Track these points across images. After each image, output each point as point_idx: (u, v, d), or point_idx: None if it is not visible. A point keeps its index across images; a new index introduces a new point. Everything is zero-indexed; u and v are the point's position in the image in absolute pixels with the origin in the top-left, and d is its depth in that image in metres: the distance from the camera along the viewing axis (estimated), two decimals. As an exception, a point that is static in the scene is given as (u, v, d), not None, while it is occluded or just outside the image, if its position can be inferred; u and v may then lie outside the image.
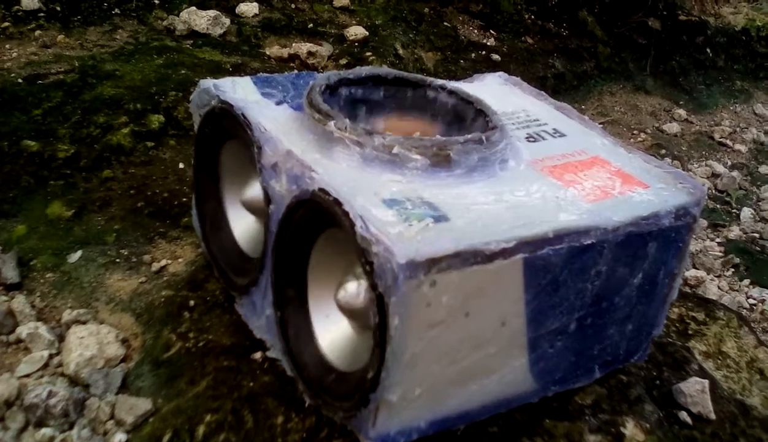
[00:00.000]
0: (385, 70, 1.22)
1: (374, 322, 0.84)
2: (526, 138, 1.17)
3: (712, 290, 2.40)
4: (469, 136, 1.02)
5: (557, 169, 1.08)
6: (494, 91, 1.34)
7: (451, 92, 1.19)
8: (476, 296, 0.88)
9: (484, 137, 1.02)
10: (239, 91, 1.16)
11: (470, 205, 0.93)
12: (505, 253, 0.88)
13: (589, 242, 0.95)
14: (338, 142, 0.99)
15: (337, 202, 0.88)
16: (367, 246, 0.83)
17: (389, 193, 0.92)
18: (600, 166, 1.12)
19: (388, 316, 0.83)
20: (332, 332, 1.02)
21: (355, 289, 0.96)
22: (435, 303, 0.85)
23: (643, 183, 1.08)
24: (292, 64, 2.44)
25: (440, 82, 1.22)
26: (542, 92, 1.36)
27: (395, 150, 0.97)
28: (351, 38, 2.76)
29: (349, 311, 1.00)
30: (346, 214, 0.86)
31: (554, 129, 1.22)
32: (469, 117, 1.15)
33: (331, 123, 1.00)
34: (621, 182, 1.07)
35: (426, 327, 0.86)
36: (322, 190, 0.91)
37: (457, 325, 0.89)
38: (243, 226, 1.25)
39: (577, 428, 1.10)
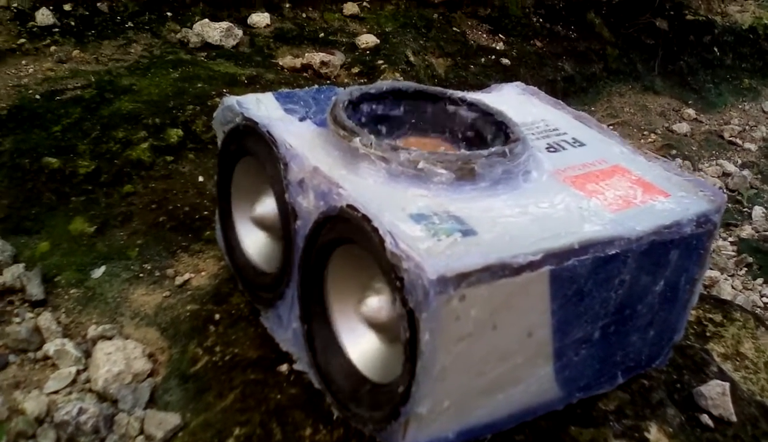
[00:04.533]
0: (405, 83, 1.23)
1: (404, 337, 0.86)
2: (547, 148, 1.18)
3: (726, 289, 2.40)
4: (493, 149, 1.03)
5: (579, 179, 1.09)
6: (512, 101, 1.35)
7: (472, 105, 1.20)
8: (504, 308, 0.89)
9: (507, 150, 1.04)
10: (263, 107, 1.18)
11: (496, 218, 0.95)
12: (532, 265, 0.89)
13: (613, 251, 0.96)
14: (364, 158, 1.00)
15: (366, 219, 0.89)
16: (397, 262, 0.84)
17: (416, 208, 0.93)
18: (621, 175, 1.13)
19: (419, 331, 0.84)
20: (361, 345, 1.03)
21: (376, 304, 0.98)
22: (464, 317, 0.86)
23: (664, 191, 1.09)
24: (305, 74, 2.46)
25: (460, 94, 1.23)
26: (560, 101, 1.37)
27: (421, 165, 0.98)
28: (362, 46, 2.77)
29: (374, 325, 1.01)
30: (376, 230, 0.87)
31: (574, 138, 1.23)
32: (491, 130, 1.16)
33: (357, 139, 1.01)
34: (642, 191, 1.08)
35: (455, 341, 0.87)
36: (350, 206, 0.92)
37: (485, 337, 0.90)
38: (254, 241, 1.26)
39: (602, 433, 1.11)
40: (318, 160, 1.02)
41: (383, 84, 1.21)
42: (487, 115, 1.18)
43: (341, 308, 1.04)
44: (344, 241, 0.97)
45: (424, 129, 1.21)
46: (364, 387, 1.00)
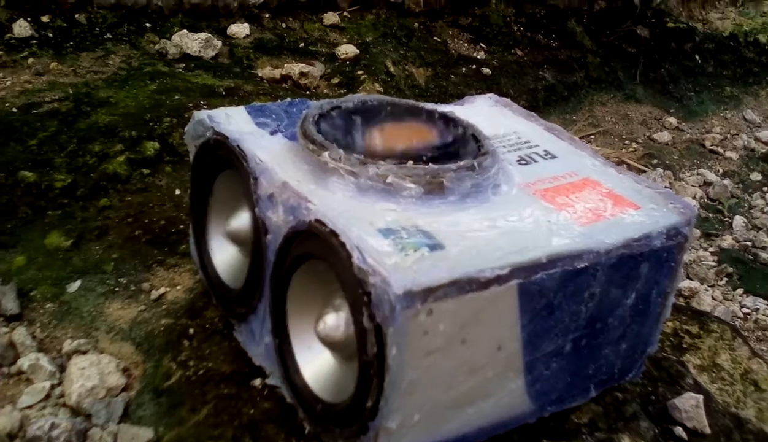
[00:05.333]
0: (377, 97, 1.23)
1: (372, 352, 0.86)
2: (518, 161, 1.19)
3: (705, 300, 2.41)
4: (462, 163, 1.04)
5: (549, 192, 1.10)
6: (485, 113, 1.36)
7: (443, 118, 1.20)
8: (472, 322, 0.90)
9: (476, 163, 1.04)
10: (233, 122, 1.18)
11: (464, 232, 0.95)
12: (499, 279, 0.89)
13: (582, 265, 0.97)
14: (333, 173, 1.00)
15: (334, 234, 0.89)
16: (364, 277, 0.84)
17: (384, 223, 0.93)
18: (591, 187, 1.13)
19: (386, 346, 0.84)
20: (314, 364, 1.03)
21: (334, 321, 0.98)
22: (432, 331, 0.86)
23: (634, 204, 1.10)
24: (284, 85, 2.46)
25: (431, 106, 1.24)
26: (533, 113, 1.38)
27: (389, 179, 0.98)
28: (342, 57, 2.78)
29: (330, 343, 1.01)
30: (343, 245, 0.87)
31: (545, 151, 1.23)
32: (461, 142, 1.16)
33: (326, 153, 1.01)
34: (612, 204, 1.09)
35: (423, 355, 0.87)
36: (318, 220, 0.92)
37: (453, 351, 0.90)
38: (224, 256, 1.26)
39: (575, 447, 1.12)
40: (287, 175, 1.02)
41: (355, 97, 1.21)
42: (458, 128, 1.18)
43: (301, 325, 1.04)
44: (313, 256, 0.97)
45: (400, 115, 1.21)
46: (320, 405, 1.00)
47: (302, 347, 1.04)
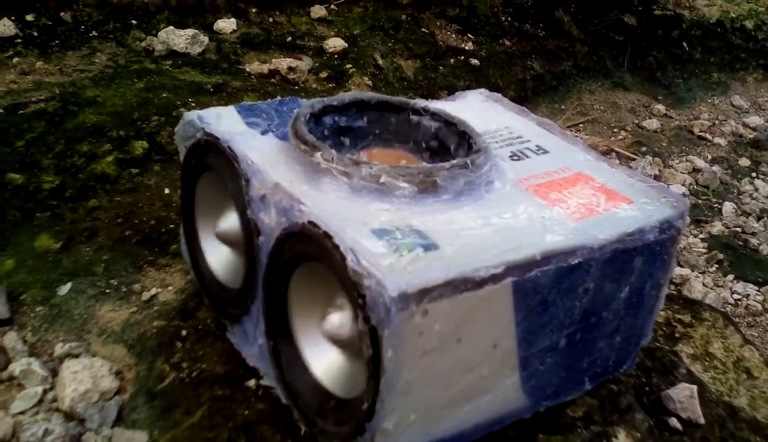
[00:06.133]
0: (368, 94, 1.23)
1: (368, 354, 0.85)
2: (510, 156, 1.18)
3: (696, 287, 2.42)
4: (455, 161, 1.03)
5: (542, 187, 1.10)
6: (476, 108, 1.36)
7: (435, 115, 1.19)
8: (467, 321, 0.89)
9: (469, 161, 1.04)
10: (224, 122, 1.17)
11: (459, 230, 0.95)
12: (494, 278, 0.89)
13: (576, 261, 0.97)
14: (326, 173, 1.00)
15: (327, 236, 0.89)
16: (358, 279, 0.84)
17: (378, 223, 0.93)
18: (584, 182, 1.13)
19: (382, 348, 0.84)
20: (324, 361, 1.03)
21: (338, 320, 0.98)
22: (427, 332, 0.86)
23: (627, 198, 1.10)
24: (273, 80, 2.44)
25: (423, 103, 1.23)
26: (524, 108, 1.38)
27: (382, 179, 0.97)
28: (330, 50, 2.76)
29: (336, 341, 1.01)
30: (337, 247, 0.87)
31: (537, 146, 1.23)
32: (454, 140, 1.16)
33: (318, 154, 1.01)
34: (605, 199, 1.09)
35: (419, 355, 0.87)
36: (311, 222, 0.92)
37: (449, 351, 0.90)
38: (218, 256, 1.25)
39: (570, 441, 1.12)
40: (280, 176, 1.02)
41: (346, 95, 1.20)
42: (450, 125, 1.17)
43: (305, 324, 1.03)
44: (307, 257, 0.96)
45: (388, 140, 1.21)
46: (329, 403, 1.00)
47: (311, 346, 1.03)
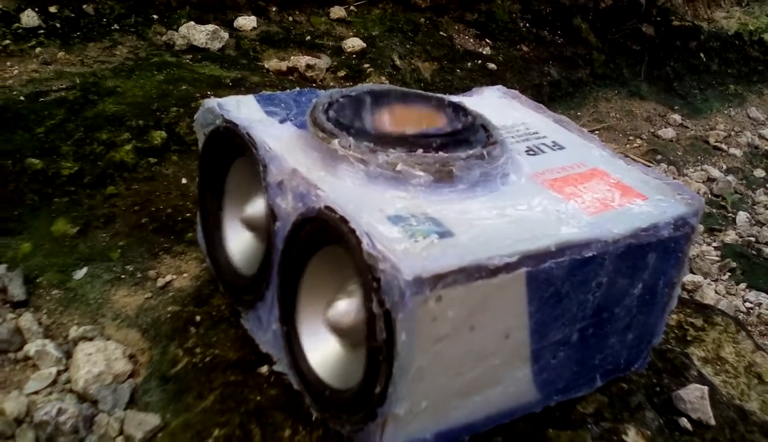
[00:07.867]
0: (385, 86, 1.23)
1: (381, 337, 0.86)
2: (526, 151, 1.19)
3: (709, 294, 2.41)
4: (471, 151, 1.04)
5: (557, 182, 1.10)
6: (493, 104, 1.36)
7: (453, 107, 1.20)
8: (481, 309, 0.90)
9: (485, 152, 1.04)
10: (243, 109, 1.18)
11: (473, 220, 0.95)
12: (508, 267, 0.89)
13: (590, 254, 0.97)
14: (343, 160, 1.00)
15: (344, 220, 0.89)
16: (373, 263, 0.84)
17: (394, 210, 0.93)
18: (599, 178, 1.13)
19: (395, 332, 0.84)
20: (321, 350, 1.03)
21: (345, 307, 0.98)
22: (441, 318, 0.86)
23: (641, 194, 1.10)
24: (291, 77, 2.46)
25: (440, 96, 1.24)
26: (541, 105, 1.38)
27: (399, 167, 0.98)
28: (348, 50, 2.78)
29: (338, 329, 1.01)
30: (353, 231, 0.88)
31: (553, 142, 1.23)
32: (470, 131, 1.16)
33: (335, 141, 1.01)
34: (620, 194, 1.09)
35: (432, 341, 0.87)
36: (328, 207, 0.93)
37: (462, 338, 0.90)
38: (238, 243, 1.26)
39: (580, 436, 1.12)
40: (297, 162, 1.03)
41: (363, 87, 1.21)
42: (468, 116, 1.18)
43: (309, 311, 1.04)
44: (322, 242, 0.97)
45: (409, 98, 1.21)
46: (327, 391, 1.00)
47: (309, 334, 1.04)
